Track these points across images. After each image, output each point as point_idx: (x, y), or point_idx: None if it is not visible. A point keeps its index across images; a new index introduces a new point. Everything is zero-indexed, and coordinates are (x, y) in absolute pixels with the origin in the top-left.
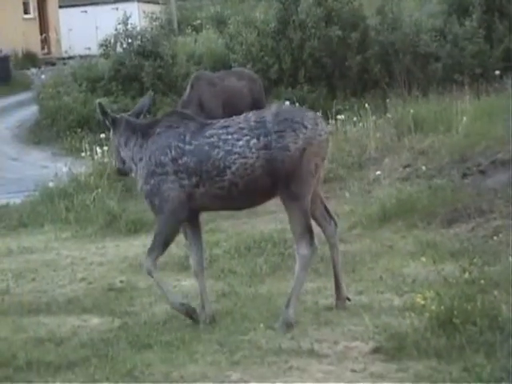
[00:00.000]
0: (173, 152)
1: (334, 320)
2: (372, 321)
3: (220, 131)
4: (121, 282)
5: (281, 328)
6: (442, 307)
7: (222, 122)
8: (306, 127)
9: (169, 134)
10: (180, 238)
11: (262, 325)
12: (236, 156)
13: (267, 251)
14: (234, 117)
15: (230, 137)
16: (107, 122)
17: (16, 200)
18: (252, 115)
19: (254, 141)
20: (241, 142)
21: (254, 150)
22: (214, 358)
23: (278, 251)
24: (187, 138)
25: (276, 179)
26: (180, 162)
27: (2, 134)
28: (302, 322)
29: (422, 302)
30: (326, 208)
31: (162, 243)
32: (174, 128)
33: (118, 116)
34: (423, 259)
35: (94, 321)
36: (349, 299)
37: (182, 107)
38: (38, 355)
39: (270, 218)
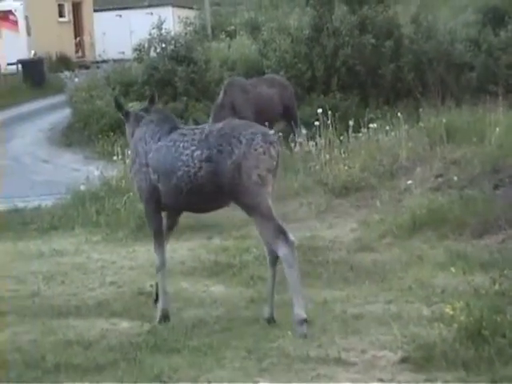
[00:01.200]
0: (145, 146)
1: (362, 329)
2: (400, 330)
3: (178, 138)
4: (150, 286)
5: (298, 328)
6: (471, 318)
7: (185, 129)
8: (240, 142)
9: (147, 128)
10: (208, 242)
11: (290, 332)
12: (180, 163)
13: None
14: (200, 126)
15: (181, 145)
16: (121, 115)
17: (47, 203)
18: (206, 128)
19: (198, 152)
20: (187, 151)
21: (196, 161)
22: (242, 364)
23: (308, 259)
24: (157, 137)
25: (222, 190)
26: (148, 156)
27: (34, 136)
28: (329, 330)
29: (451, 313)
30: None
31: (153, 234)
32: (152, 124)
33: (130, 110)
34: (453, 270)
35: (123, 324)
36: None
37: (216, 111)
38: (67, 358)
39: (300, 226)
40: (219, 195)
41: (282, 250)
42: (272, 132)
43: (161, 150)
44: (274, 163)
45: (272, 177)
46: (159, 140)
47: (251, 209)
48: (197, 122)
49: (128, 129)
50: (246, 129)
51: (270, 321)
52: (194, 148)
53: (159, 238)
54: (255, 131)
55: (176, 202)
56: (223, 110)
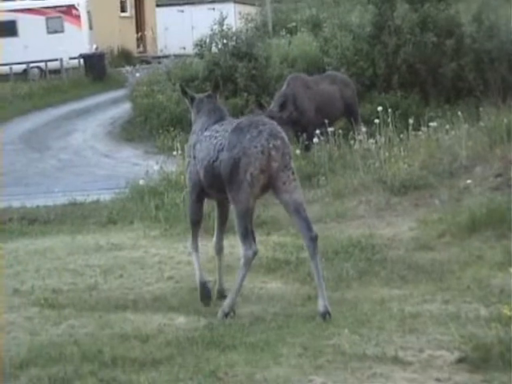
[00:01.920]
0: (195, 138)
1: (419, 328)
2: (458, 330)
3: (215, 129)
4: (208, 281)
5: (219, 316)
6: None
7: (224, 122)
8: (245, 137)
9: (200, 120)
10: (266, 239)
11: (346, 330)
12: (207, 153)
13: (354, 256)
14: (235, 120)
15: (214, 135)
16: (187, 101)
17: (106, 196)
18: (234, 122)
19: (218, 143)
20: (214, 141)
21: (215, 151)
22: (298, 361)
23: (366, 256)
24: (204, 128)
25: (224, 180)
26: (196, 147)
27: (94, 130)
28: (387, 329)
29: (509, 314)
30: (304, 229)
31: (190, 221)
32: (204, 115)
33: (195, 95)
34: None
35: (180, 319)
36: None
37: (278, 103)
38: (123, 351)
39: (359, 223)
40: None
41: (246, 252)
42: (281, 134)
43: (202, 141)
44: (275, 164)
45: (268, 177)
46: (205, 131)
47: (233, 202)
48: (261, 106)
49: (193, 116)
50: (257, 126)
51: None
52: (218, 140)
53: (194, 227)
54: (263, 129)
55: (211, 190)
56: (286, 99)
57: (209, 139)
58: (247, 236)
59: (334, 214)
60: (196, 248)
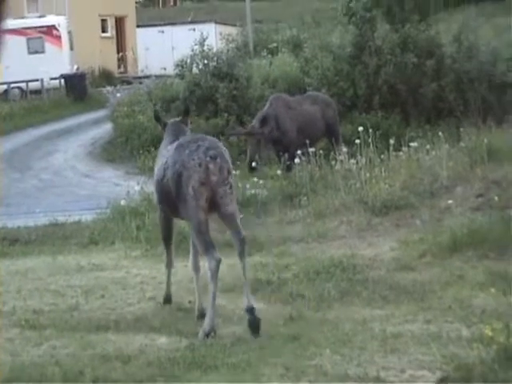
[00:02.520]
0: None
1: (401, 348)
2: (439, 350)
3: (164, 150)
4: (189, 302)
5: (200, 336)
6: (511, 339)
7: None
8: (184, 152)
9: (164, 142)
10: (247, 259)
11: (328, 350)
12: (157, 172)
13: (336, 276)
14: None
15: (163, 155)
16: (160, 126)
17: (88, 217)
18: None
19: (164, 161)
20: (163, 160)
21: (163, 169)
22: (280, 382)
23: (347, 277)
24: (163, 149)
25: (173, 197)
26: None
27: (75, 151)
28: (368, 349)
29: (491, 334)
30: (235, 233)
31: (162, 237)
32: (167, 137)
33: (167, 121)
34: (493, 290)
35: (162, 340)
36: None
37: (259, 119)
38: (105, 372)
39: (340, 244)
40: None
41: (209, 265)
42: (220, 149)
43: (157, 161)
44: (213, 178)
45: (210, 190)
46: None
47: (186, 218)
48: (242, 122)
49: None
50: (196, 141)
51: None
52: (165, 158)
53: (166, 243)
54: (201, 144)
55: (168, 208)
56: (268, 119)
57: (160, 159)
58: (208, 248)
59: (315, 234)
60: (169, 264)
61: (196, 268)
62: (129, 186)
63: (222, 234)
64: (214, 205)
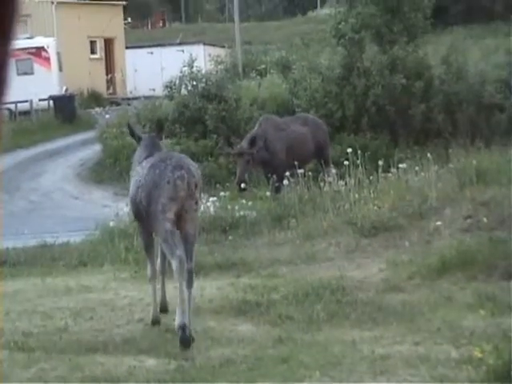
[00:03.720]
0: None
1: (390, 369)
2: (429, 372)
3: (137, 168)
4: None
5: (178, 333)
6: (500, 361)
7: (144, 162)
8: (155, 172)
9: (136, 158)
10: (236, 281)
11: (317, 372)
12: (131, 190)
13: (325, 298)
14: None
15: (136, 173)
16: (134, 140)
17: (76, 239)
18: (149, 161)
19: (138, 181)
20: (136, 178)
21: (136, 187)
22: None
23: (336, 298)
24: (136, 166)
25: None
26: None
27: (64, 172)
28: (357, 371)
29: (480, 355)
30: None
31: (143, 249)
32: (140, 153)
33: (141, 135)
34: (482, 312)
35: (151, 362)
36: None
37: (248, 140)
38: None
39: (329, 265)
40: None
41: (174, 265)
42: (187, 165)
43: (131, 178)
44: (182, 193)
45: (179, 204)
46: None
47: (155, 232)
48: (230, 143)
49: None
50: (165, 160)
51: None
52: (138, 177)
53: (148, 254)
54: (169, 163)
55: (141, 223)
56: (258, 139)
57: (134, 176)
58: (173, 252)
59: (304, 255)
60: (153, 276)
61: (163, 271)
62: (117, 208)
63: (212, 255)
64: (179, 219)
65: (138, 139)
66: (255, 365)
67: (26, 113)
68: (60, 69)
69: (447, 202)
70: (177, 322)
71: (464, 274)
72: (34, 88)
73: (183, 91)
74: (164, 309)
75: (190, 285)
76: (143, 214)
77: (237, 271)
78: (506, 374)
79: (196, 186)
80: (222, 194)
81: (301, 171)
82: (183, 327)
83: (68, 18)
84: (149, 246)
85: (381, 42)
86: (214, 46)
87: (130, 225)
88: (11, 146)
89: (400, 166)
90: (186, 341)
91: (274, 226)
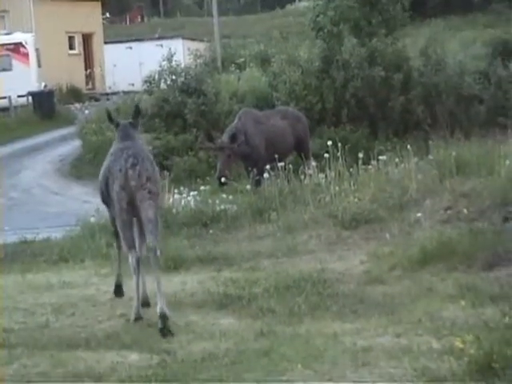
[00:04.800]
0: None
1: (372, 362)
2: (411, 363)
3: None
4: None
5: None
6: (481, 351)
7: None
8: (112, 158)
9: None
10: (217, 275)
11: (299, 365)
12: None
13: (306, 291)
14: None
15: (106, 160)
16: (113, 126)
17: (57, 234)
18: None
19: (105, 167)
20: (105, 165)
21: (103, 172)
22: None
23: (317, 291)
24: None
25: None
26: None
27: (44, 168)
28: (340, 364)
29: (461, 346)
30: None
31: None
32: (116, 141)
33: (120, 121)
34: (463, 302)
35: (133, 357)
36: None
37: (228, 134)
38: None
39: (310, 258)
40: None
41: (130, 260)
42: (142, 157)
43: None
44: (132, 183)
45: (130, 194)
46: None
47: (115, 218)
48: (211, 137)
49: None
50: (122, 150)
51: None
52: (105, 164)
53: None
54: (125, 152)
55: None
56: (235, 132)
57: (103, 164)
58: (129, 246)
59: (285, 248)
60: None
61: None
62: (98, 203)
63: (193, 249)
64: (135, 208)
65: (116, 125)
66: (237, 358)
67: (4, 109)
68: (39, 65)
69: (427, 193)
70: (132, 312)
71: (445, 265)
72: (12, 84)
73: (162, 86)
74: (145, 301)
75: (156, 261)
76: (107, 199)
77: (218, 265)
78: (487, 364)
79: (148, 179)
80: (202, 188)
81: (281, 164)
82: (164, 316)
83: (46, 14)
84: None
85: (359, 35)
86: (192, 40)
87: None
88: None
89: (380, 158)
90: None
91: (254, 219)
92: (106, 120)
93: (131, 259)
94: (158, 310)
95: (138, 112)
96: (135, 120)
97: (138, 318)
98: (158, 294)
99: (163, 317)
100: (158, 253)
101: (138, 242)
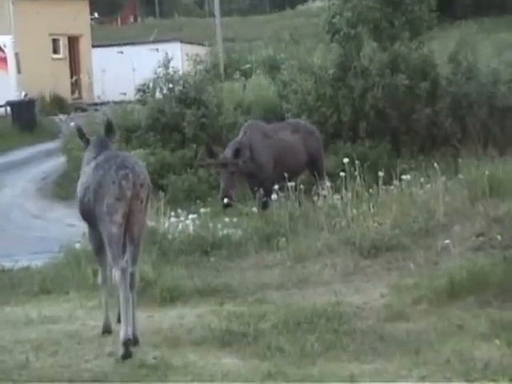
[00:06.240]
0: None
1: None
2: None
3: (85, 169)
4: (154, 358)
5: (120, 348)
6: None
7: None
8: (99, 172)
9: (84, 160)
10: (219, 309)
11: None
12: (78, 190)
13: (319, 327)
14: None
15: (83, 173)
16: (83, 144)
17: (38, 262)
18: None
19: (85, 181)
20: (83, 179)
21: (84, 189)
22: None
23: (332, 327)
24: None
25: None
26: None
27: (24, 187)
28: None
29: None
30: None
31: (93, 251)
32: (88, 155)
33: (90, 138)
34: (497, 341)
35: None
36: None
37: (232, 149)
38: None
39: (324, 290)
40: None
41: (117, 274)
42: (131, 165)
43: (80, 178)
44: (128, 193)
45: (126, 206)
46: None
47: (102, 233)
48: (212, 152)
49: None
50: (109, 160)
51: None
52: (84, 178)
53: (99, 257)
54: (113, 162)
55: (89, 224)
56: (239, 147)
57: (81, 177)
58: (115, 258)
59: (295, 279)
60: (104, 280)
61: (105, 280)
62: (84, 227)
63: (191, 279)
64: (126, 222)
65: (86, 142)
66: None
67: None
68: (18, 71)
69: (456, 217)
70: (121, 336)
71: (476, 299)
72: None
73: (158, 95)
74: (134, 337)
75: (132, 287)
76: (92, 215)
77: (220, 297)
78: None
79: (141, 186)
80: (202, 210)
81: (291, 184)
82: (127, 343)
83: (27, 14)
84: (100, 250)
85: (380, 38)
86: (192, 43)
87: None
88: None
89: (403, 177)
90: (127, 357)
91: (261, 246)
92: (94, 133)
93: (117, 271)
94: (122, 336)
95: (110, 128)
96: (108, 135)
97: (128, 341)
98: (126, 315)
99: (126, 344)
100: (137, 278)
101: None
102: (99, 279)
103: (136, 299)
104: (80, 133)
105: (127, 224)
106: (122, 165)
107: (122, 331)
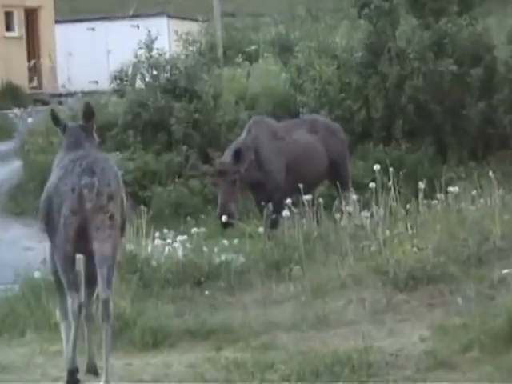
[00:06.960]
0: None
1: None
2: None
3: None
4: None
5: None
6: None
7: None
8: (60, 175)
9: (58, 155)
10: (215, 355)
11: None
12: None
13: (343, 378)
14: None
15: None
16: (59, 131)
17: None
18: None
19: (50, 183)
20: (50, 181)
21: (45, 191)
22: None
23: (359, 379)
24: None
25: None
26: None
27: None
28: None
29: None
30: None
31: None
32: (62, 150)
33: (68, 124)
34: None
35: None
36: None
37: (232, 153)
38: None
39: (349, 332)
40: None
41: (71, 306)
42: (100, 170)
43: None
44: (88, 205)
45: (82, 219)
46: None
47: (53, 250)
48: (207, 157)
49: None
50: (75, 161)
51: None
52: (50, 179)
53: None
54: (78, 164)
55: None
56: (240, 148)
57: (51, 176)
58: (70, 288)
59: (313, 318)
60: (64, 313)
61: (87, 315)
62: (45, 251)
63: (180, 317)
64: (86, 240)
65: (64, 128)
66: None
67: None
68: None
69: None
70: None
71: None
72: None
73: (139, 84)
74: (93, 369)
75: (107, 317)
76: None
77: (217, 341)
78: None
79: (110, 199)
80: (194, 230)
81: (308, 198)
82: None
83: None
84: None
85: (421, 13)
86: (182, 19)
87: None
88: None
89: (450, 189)
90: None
91: (269, 275)
92: (57, 132)
93: (73, 304)
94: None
95: (90, 113)
96: (88, 123)
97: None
98: (104, 367)
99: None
100: (112, 307)
101: (85, 293)
102: (57, 313)
103: (110, 334)
104: (54, 117)
105: (93, 243)
106: (89, 169)
107: (68, 357)
